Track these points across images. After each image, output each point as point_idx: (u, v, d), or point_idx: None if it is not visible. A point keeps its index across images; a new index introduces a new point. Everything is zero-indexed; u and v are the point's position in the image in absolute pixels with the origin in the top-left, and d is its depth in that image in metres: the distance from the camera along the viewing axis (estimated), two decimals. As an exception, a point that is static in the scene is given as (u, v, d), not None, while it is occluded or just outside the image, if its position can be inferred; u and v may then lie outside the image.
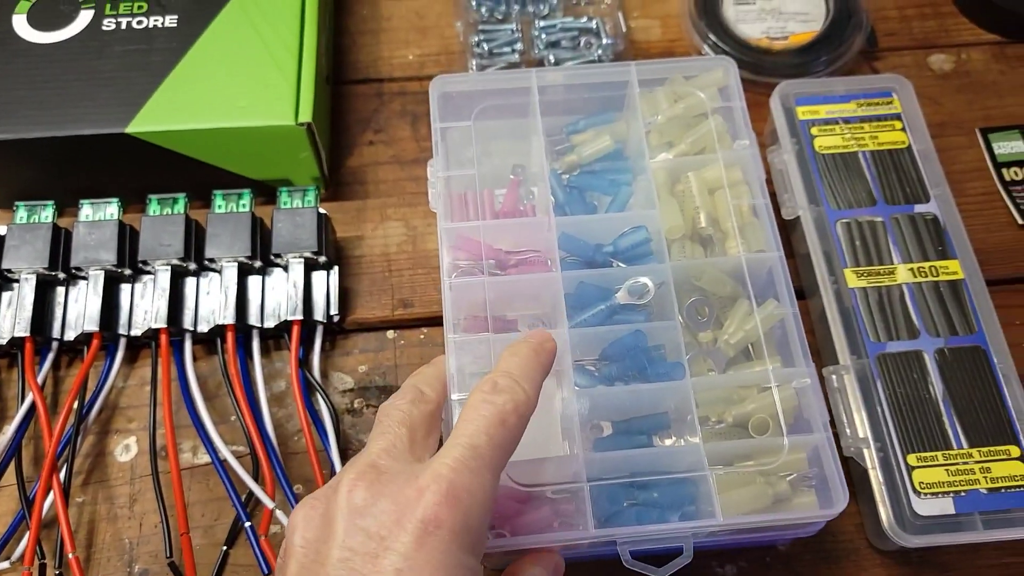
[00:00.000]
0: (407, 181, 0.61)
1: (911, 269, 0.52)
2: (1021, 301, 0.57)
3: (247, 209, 0.55)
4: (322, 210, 0.56)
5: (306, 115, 0.55)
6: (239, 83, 0.55)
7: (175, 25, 0.58)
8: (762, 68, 0.64)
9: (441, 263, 0.47)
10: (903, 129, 0.57)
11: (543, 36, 0.66)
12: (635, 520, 0.42)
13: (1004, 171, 0.61)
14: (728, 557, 0.49)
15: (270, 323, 0.54)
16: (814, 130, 0.57)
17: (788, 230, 0.58)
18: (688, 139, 0.52)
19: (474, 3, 0.68)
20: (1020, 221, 0.59)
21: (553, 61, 0.65)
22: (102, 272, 0.53)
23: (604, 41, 0.66)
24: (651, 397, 0.45)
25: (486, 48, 0.66)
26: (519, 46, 0.66)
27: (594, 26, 0.67)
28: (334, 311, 0.54)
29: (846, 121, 0.57)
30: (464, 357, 0.44)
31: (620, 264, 0.49)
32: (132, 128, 0.54)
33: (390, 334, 0.56)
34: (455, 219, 0.51)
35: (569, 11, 0.68)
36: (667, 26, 0.69)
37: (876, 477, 0.47)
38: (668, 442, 0.47)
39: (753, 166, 0.50)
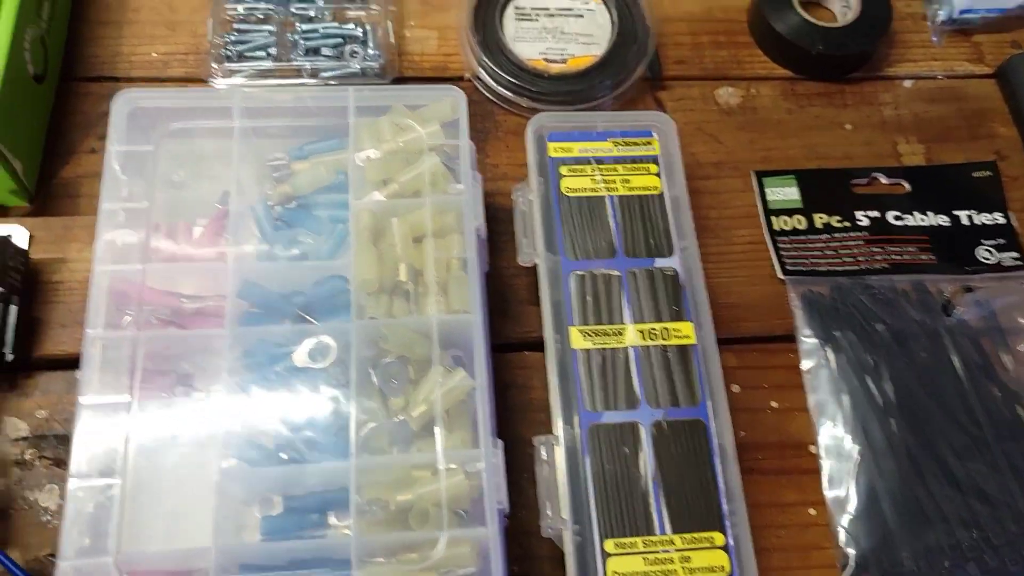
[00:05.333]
0: (128, 197, 0.55)
1: (641, 331, 0.48)
2: (767, 362, 0.54)
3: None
4: (11, 229, 0.50)
5: (-20, 122, 0.48)
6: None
7: None
8: (535, 94, 0.59)
9: (87, 311, 0.42)
10: (658, 173, 0.53)
11: (303, 42, 0.60)
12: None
13: (773, 219, 0.58)
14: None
15: (-72, 362, 0.47)
16: (563, 169, 0.53)
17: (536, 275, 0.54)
18: (402, 178, 0.47)
19: (230, -2, 0.61)
20: (780, 275, 0.56)
21: (310, 70, 0.60)
22: None
23: (370, 51, 0.60)
24: (318, 475, 0.41)
25: (235, 51, 0.59)
26: (273, 51, 0.60)
27: (360, 34, 0.61)
28: (8, 349, 0.48)
29: (599, 161, 0.53)
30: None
31: (310, 319, 0.44)
32: None
33: (79, 374, 0.50)
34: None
35: (339, 16, 0.62)
36: (444, 39, 0.63)
37: (571, 564, 0.43)
38: (346, 521, 0.42)
39: (469, 214, 0.46)
